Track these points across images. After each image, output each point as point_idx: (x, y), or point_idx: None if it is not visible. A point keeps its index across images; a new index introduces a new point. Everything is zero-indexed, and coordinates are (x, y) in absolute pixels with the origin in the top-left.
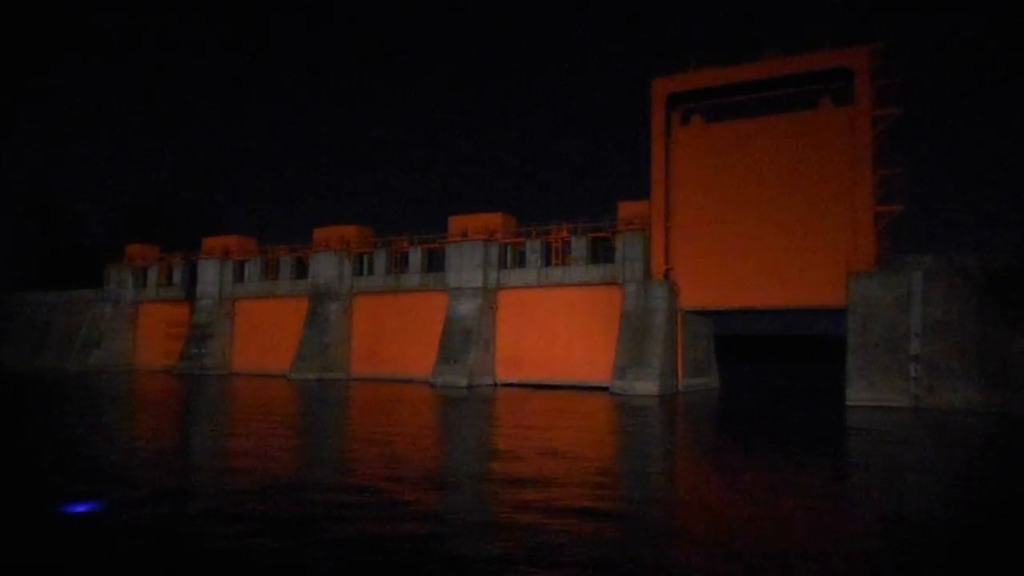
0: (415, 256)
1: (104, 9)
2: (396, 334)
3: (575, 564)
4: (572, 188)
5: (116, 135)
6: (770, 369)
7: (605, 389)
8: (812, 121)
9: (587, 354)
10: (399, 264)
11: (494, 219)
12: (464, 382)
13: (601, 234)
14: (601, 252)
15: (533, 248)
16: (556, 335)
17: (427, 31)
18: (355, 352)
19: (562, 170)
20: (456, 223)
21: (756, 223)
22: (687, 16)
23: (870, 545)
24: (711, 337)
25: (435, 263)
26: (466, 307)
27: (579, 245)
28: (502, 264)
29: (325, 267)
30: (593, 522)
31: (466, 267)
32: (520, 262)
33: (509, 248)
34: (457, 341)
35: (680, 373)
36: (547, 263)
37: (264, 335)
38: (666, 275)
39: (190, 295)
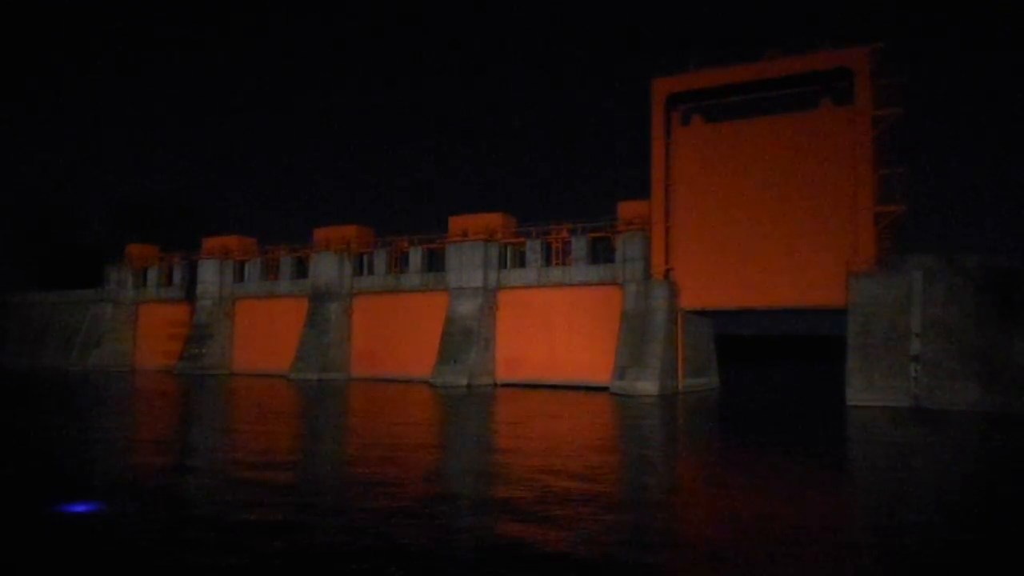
0: (415, 256)
1: (105, 10)
2: (396, 334)
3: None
4: (572, 188)
5: (116, 135)
6: (770, 369)
7: (605, 389)
8: (812, 121)
9: (587, 354)
10: (399, 264)
11: (494, 219)
12: (464, 382)
13: (601, 234)
14: (601, 252)
15: (533, 248)
16: (556, 335)
17: (428, 32)
18: (355, 352)
19: (562, 170)
20: (456, 223)
21: (756, 223)
22: (687, 16)
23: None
24: (711, 337)
25: (435, 263)
26: (466, 307)
27: (579, 245)
28: (502, 264)
29: (325, 267)
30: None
31: (466, 267)
32: (520, 262)
33: (509, 248)
34: (457, 341)
35: (680, 373)
36: (547, 263)
37: (264, 335)
38: (666, 275)
39: (190, 295)
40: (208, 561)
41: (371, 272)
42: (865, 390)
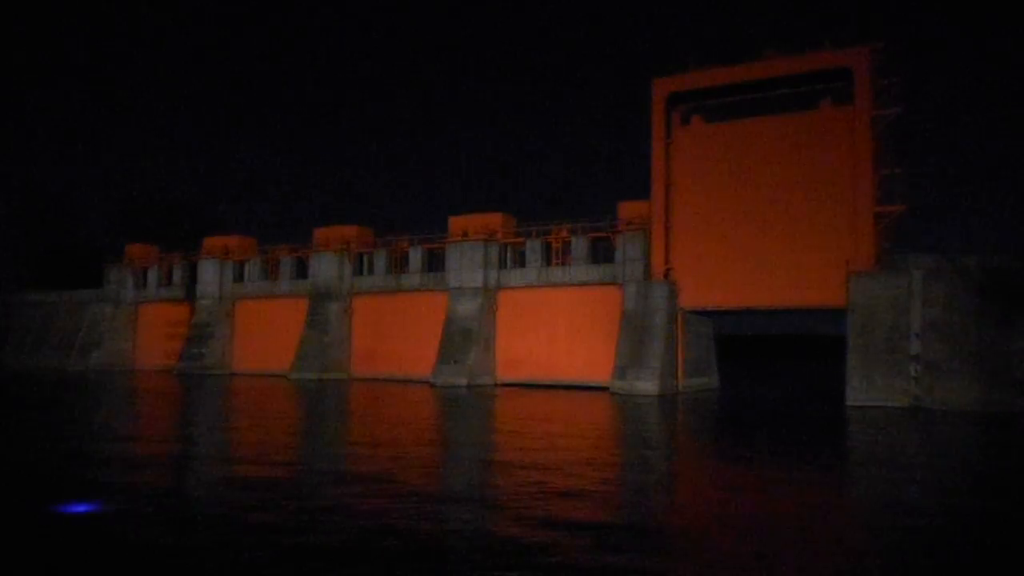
0: (415, 256)
1: (105, 9)
2: (396, 334)
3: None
4: (572, 188)
5: (116, 135)
6: (770, 369)
7: (605, 389)
8: (812, 121)
9: (587, 354)
10: (399, 264)
11: (494, 219)
12: (464, 382)
13: (601, 234)
14: (601, 252)
15: (533, 248)
16: (556, 335)
17: (427, 31)
18: (355, 352)
19: (562, 170)
20: (456, 223)
21: (756, 223)
22: (687, 16)
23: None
24: (711, 337)
25: (435, 263)
26: (466, 307)
27: (579, 245)
28: (502, 264)
29: (325, 267)
30: None
31: (466, 267)
32: (520, 262)
33: (509, 248)
34: (457, 341)
35: (680, 373)
36: (547, 263)
37: (264, 335)
38: (666, 275)
39: (190, 295)
40: (208, 562)
41: (371, 272)
42: (865, 390)
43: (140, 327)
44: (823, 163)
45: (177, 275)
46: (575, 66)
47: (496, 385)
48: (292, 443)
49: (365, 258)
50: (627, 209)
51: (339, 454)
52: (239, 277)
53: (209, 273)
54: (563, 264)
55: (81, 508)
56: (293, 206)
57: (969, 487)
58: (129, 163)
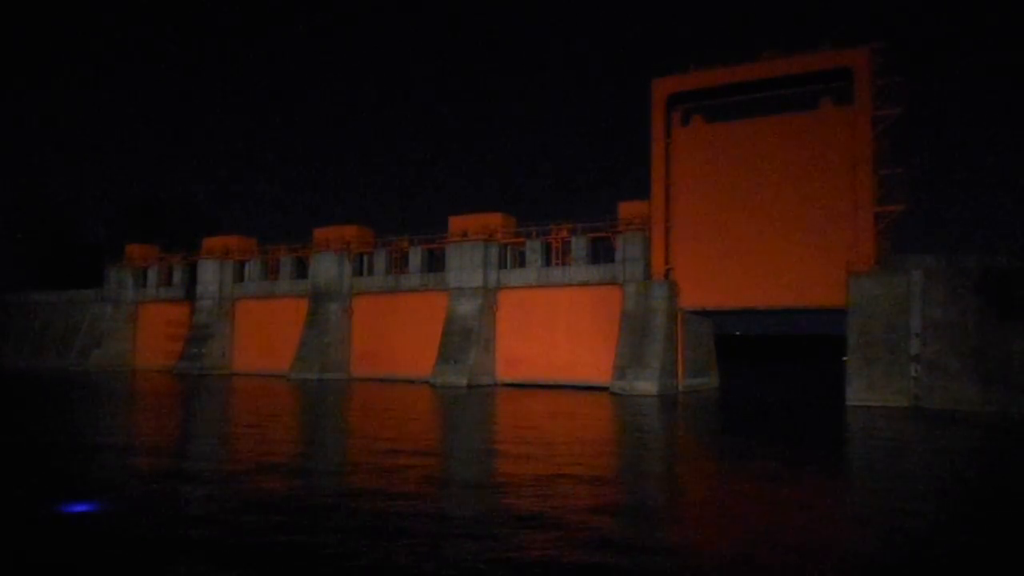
0: (415, 256)
1: (105, 11)
2: (396, 334)
3: None
4: (572, 188)
5: (116, 135)
6: (770, 369)
7: (605, 389)
8: (812, 121)
9: (587, 354)
10: (399, 264)
11: (494, 219)
12: (464, 382)
13: (601, 234)
14: (601, 252)
15: (533, 248)
16: (556, 335)
17: (427, 31)
18: (355, 352)
19: (562, 170)
20: (456, 223)
21: (756, 223)
22: (687, 16)
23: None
24: (711, 337)
25: (435, 263)
26: (466, 307)
27: (579, 245)
28: (502, 264)
29: (325, 267)
30: None
31: (466, 267)
32: (520, 262)
33: (509, 248)
34: (457, 341)
35: (680, 373)
36: (547, 263)
37: (264, 335)
38: (666, 275)
39: (190, 295)
40: (207, 561)
41: (371, 272)
42: (865, 390)
43: (140, 327)
44: (823, 163)
45: (177, 275)
46: (575, 66)
47: (496, 385)
48: (291, 448)
49: (365, 258)
50: (627, 209)
51: (337, 462)
52: (239, 277)
53: (209, 273)
54: (563, 264)
55: (80, 508)
56: (293, 206)
57: (967, 492)
58: (129, 163)
